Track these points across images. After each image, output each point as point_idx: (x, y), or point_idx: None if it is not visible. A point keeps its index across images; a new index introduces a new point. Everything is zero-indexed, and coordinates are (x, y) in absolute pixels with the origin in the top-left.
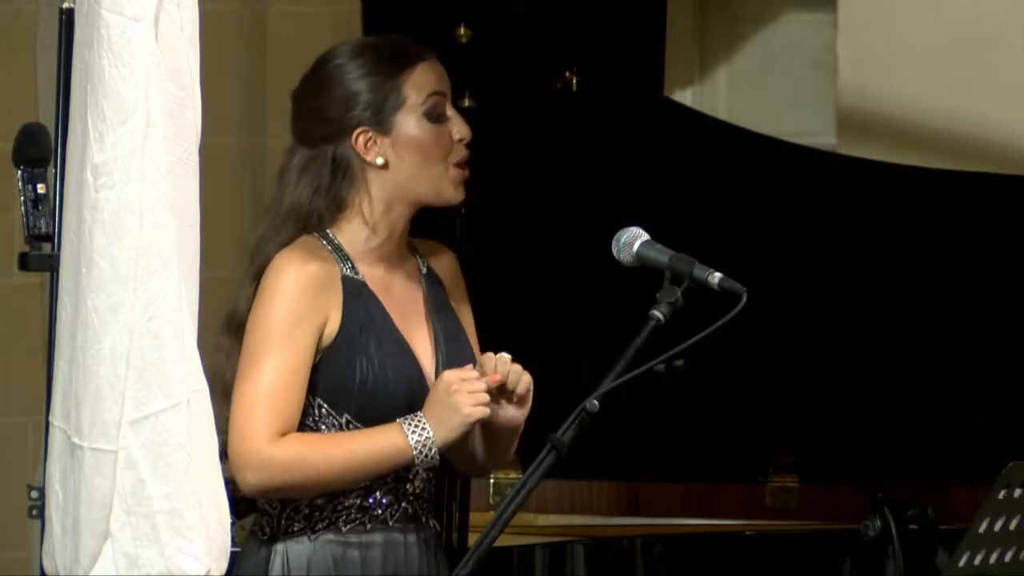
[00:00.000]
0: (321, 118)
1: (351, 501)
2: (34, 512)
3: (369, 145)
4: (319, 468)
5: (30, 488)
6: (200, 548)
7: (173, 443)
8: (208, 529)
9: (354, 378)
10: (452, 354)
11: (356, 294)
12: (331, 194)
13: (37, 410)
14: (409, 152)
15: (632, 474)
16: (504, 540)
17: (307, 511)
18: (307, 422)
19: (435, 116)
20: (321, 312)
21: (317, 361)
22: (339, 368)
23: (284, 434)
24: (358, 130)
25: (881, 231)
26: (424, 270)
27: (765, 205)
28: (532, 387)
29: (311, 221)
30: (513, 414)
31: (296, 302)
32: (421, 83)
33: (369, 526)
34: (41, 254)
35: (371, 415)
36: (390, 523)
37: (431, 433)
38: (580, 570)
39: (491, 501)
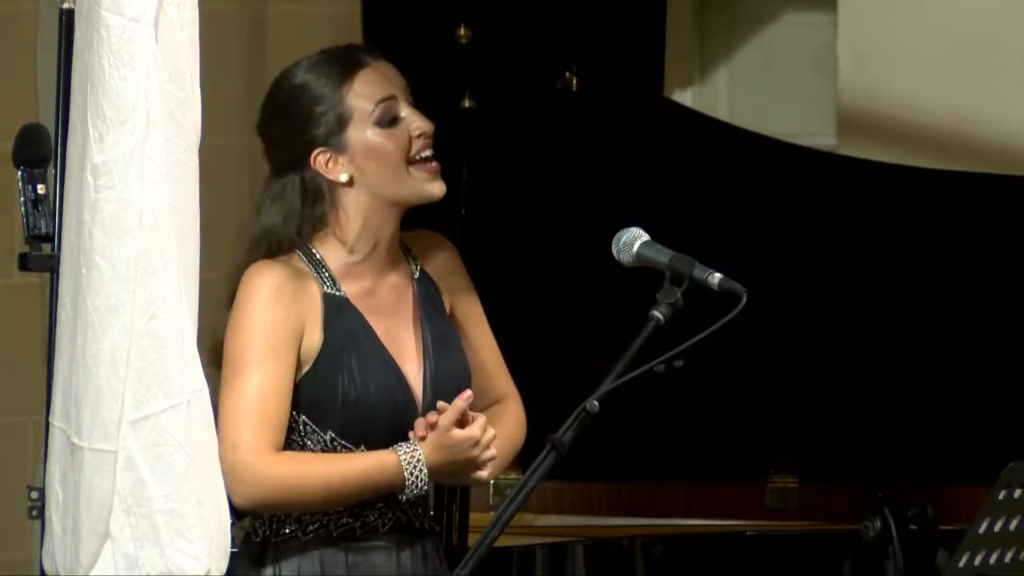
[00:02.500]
0: (282, 147)
1: (344, 507)
2: (34, 512)
3: (330, 164)
4: (312, 489)
5: (30, 488)
6: (200, 548)
7: (173, 443)
8: (208, 529)
9: (336, 395)
10: (440, 363)
11: (337, 310)
12: (305, 218)
13: (37, 410)
14: (368, 162)
15: (632, 474)
16: (504, 540)
17: (298, 514)
18: (293, 438)
19: (387, 121)
20: (298, 317)
21: (300, 379)
22: (321, 385)
23: (276, 444)
24: (315, 152)
25: (881, 231)
26: (416, 273)
27: (765, 205)
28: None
29: (288, 245)
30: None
31: (271, 308)
32: (365, 92)
33: (360, 532)
34: (41, 254)
35: (355, 432)
36: (382, 531)
37: (426, 475)
38: (580, 570)
39: (491, 502)
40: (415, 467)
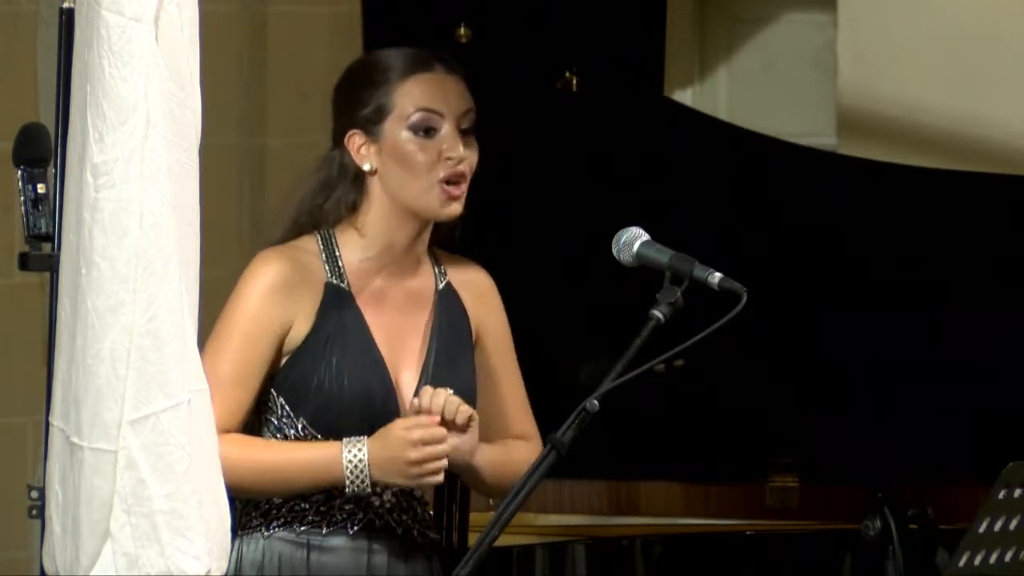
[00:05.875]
0: (336, 113)
1: (309, 504)
2: (34, 512)
3: (362, 150)
4: (244, 472)
5: (30, 488)
6: (200, 548)
7: (173, 443)
8: (208, 529)
9: (311, 382)
10: (441, 377)
11: (335, 301)
12: (336, 195)
13: (37, 410)
14: (392, 161)
15: (632, 474)
16: (504, 540)
17: (265, 507)
18: (272, 419)
19: (422, 129)
20: (285, 315)
21: (284, 363)
22: (301, 371)
23: (226, 430)
24: (350, 132)
25: (881, 231)
26: (441, 286)
27: (765, 205)
28: (475, 419)
29: (311, 220)
30: (456, 445)
31: (259, 303)
32: (414, 95)
33: (326, 530)
34: (41, 254)
35: (325, 422)
36: (350, 531)
37: (368, 474)
38: (580, 570)
39: (491, 502)
40: (357, 462)
